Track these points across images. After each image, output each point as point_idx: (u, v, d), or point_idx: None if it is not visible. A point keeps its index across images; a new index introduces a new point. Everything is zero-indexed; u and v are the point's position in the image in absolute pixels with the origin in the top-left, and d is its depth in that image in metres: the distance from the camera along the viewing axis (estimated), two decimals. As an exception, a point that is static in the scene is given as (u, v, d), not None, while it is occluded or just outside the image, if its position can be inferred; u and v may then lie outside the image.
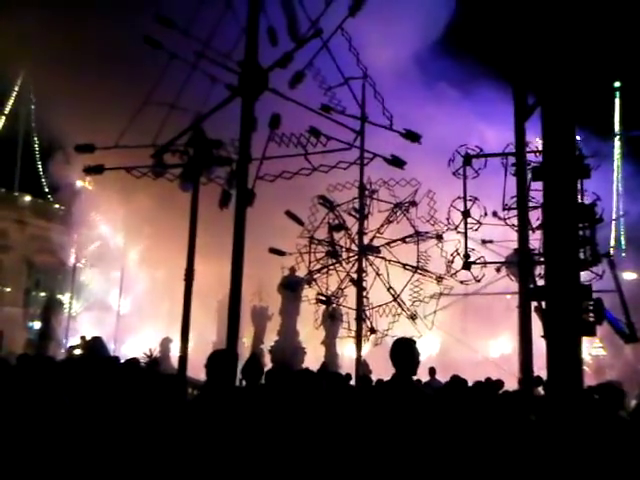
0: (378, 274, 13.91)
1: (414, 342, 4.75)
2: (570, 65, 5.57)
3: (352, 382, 12.15)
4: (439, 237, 14.01)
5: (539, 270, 10.58)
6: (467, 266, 13.73)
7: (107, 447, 4.76)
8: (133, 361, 5.77)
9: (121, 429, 4.82)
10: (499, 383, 11.11)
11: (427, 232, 14.10)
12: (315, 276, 14.24)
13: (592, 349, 29.18)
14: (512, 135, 9.62)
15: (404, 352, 4.64)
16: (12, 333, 31.27)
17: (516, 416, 6.27)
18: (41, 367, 5.62)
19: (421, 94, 31.10)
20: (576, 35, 5.80)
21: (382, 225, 14.25)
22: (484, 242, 14.38)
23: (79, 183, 35.76)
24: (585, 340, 5.88)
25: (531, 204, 10.59)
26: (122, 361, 6.94)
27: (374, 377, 12.61)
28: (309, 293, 14.72)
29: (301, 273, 15.02)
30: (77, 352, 17.61)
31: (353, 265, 13.83)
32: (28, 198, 39.35)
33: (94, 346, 7.95)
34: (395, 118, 8.70)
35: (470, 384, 8.16)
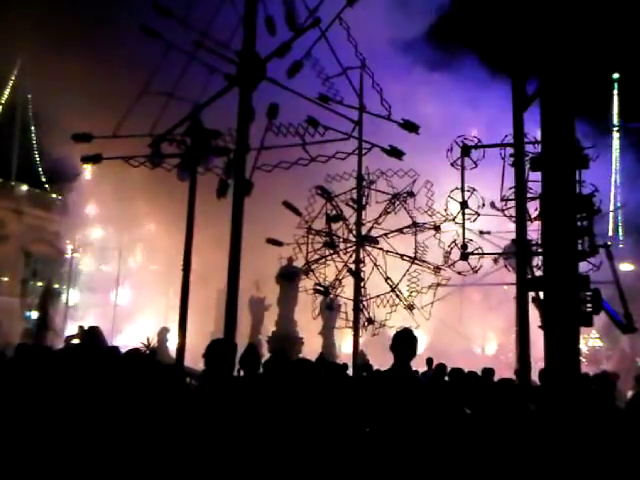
0: (376, 265, 13.92)
1: (414, 335, 4.77)
2: (569, 56, 5.56)
3: (349, 372, 12.19)
4: (437, 228, 14.00)
5: (537, 261, 10.60)
6: (465, 257, 13.73)
7: (107, 437, 4.77)
8: (134, 351, 5.77)
9: (121, 419, 4.83)
10: (490, 371, 11.15)
11: (425, 223, 14.10)
12: (313, 266, 14.24)
13: (589, 340, 29.28)
14: (500, 121, 9.60)
15: (406, 343, 4.66)
16: (9, 323, 31.26)
17: (512, 404, 6.29)
18: (40, 357, 5.63)
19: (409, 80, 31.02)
20: (575, 26, 5.78)
21: (380, 216, 14.24)
22: (482, 233, 14.39)
23: (77, 172, 35.67)
24: (582, 331, 5.89)
25: (529, 195, 10.58)
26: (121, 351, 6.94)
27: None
28: (307, 283, 14.72)
29: (299, 263, 15.02)
30: (75, 342, 17.61)
31: (351, 255, 13.83)
32: (25, 187, 39.21)
33: (92, 336, 7.95)
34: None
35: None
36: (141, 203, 32.59)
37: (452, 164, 13.82)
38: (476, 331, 34.11)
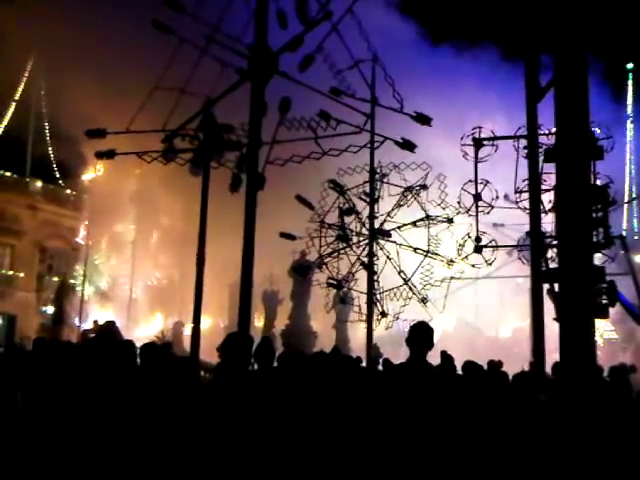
0: (389, 258, 13.90)
1: (431, 327, 4.76)
2: (585, 46, 5.51)
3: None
4: (450, 220, 13.94)
5: (551, 253, 10.54)
6: (478, 249, 13.69)
7: (122, 430, 4.81)
8: (150, 345, 5.81)
9: (136, 412, 4.87)
10: (498, 363, 11.14)
11: (438, 216, 14.04)
12: (326, 260, 14.24)
13: (604, 332, 29.09)
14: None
15: (422, 336, 4.64)
16: (25, 318, 31.61)
17: (527, 397, 6.28)
18: (58, 350, 5.69)
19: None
20: (591, 15, 5.73)
21: (393, 209, 14.20)
22: (495, 225, 14.32)
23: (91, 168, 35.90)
24: (597, 323, 5.85)
25: (543, 187, 10.51)
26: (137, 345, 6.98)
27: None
28: (320, 277, 14.73)
29: (312, 257, 15.03)
30: (91, 336, 17.76)
31: (364, 249, 13.82)
32: (39, 183, 39.46)
33: (107, 330, 8.02)
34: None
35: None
36: (156, 197, 32.78)
37: (464, 156, 13.76)
38: (489, 323, 34.06)
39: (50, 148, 41.15)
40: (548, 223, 11.18)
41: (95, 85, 29.68)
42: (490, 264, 14.10)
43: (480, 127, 13.87)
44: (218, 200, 8.98)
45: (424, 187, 13.99)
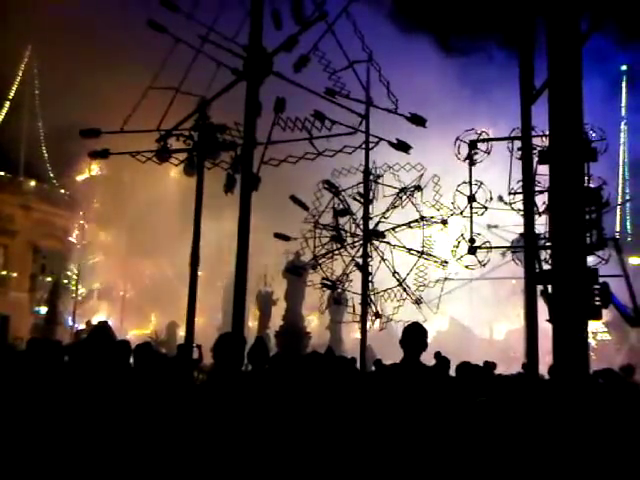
0: (383, 259, 13.90)
1: (425, 328, 4.76)
2: (578, 48, 5.52)
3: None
4: (444, 222, 13.96)
5: (544, 255, 10.55)
6: (472, 251, 13.69)
7: (115, 432, 4.79)
8: (144, 345, 5.79)
9: (130, 413, 4.85)
10: (492, 365, 11.20)
11: (432, 217, 14.06)
12: (320, 261, 14.24)
13: (597, 334, 29.21)
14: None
15: (416, 337, 4.63)
16: (18, 318, 31.45)
17: (520, 399, 6.29)
18: (51, 351, 5.66)
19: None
20: (585, 18, 5.74)
21: (387, 210, 14.21)
22: (490, 227, 14.34)
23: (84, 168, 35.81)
24: (590, 325, 5.86)
25: (537, 188, 10.53)
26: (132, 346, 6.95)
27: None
28: (314, 278, 14.73)
29: (306, 258, 15.03)
30: (84, 336, 17.68)
31: (358, 250, 13.82)
32: (33, 183, 39.32)
33: (101, 331, 7.98)
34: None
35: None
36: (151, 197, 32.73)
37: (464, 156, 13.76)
38: (483, 324, 34.15)
39: (44, 147, 40.99)
40: (542, 225, 11.21)
41: (89, 84, 29.62)
42: (484, 265, 14.13)
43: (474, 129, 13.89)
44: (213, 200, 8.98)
45: (418, 188, 14.00)
